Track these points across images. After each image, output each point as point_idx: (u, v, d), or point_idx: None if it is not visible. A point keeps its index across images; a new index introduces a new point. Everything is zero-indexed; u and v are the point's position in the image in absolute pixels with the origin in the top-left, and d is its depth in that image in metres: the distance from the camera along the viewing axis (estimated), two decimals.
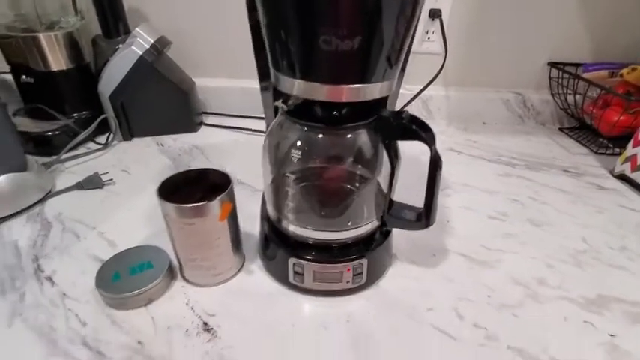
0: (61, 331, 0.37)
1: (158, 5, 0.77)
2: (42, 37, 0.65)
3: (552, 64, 0.83)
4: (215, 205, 0.38)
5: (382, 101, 0.41)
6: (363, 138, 0.40)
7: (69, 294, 0.41)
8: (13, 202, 0.53)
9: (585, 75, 0.79)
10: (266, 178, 0.42)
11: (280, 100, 0.39)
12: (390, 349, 0.37)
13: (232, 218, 0.41)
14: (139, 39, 0.67)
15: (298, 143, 0.39)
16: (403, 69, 0.40)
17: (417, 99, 0.80)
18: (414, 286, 0.44)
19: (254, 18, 0.38)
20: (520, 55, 0.83)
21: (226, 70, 0.83)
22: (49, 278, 0.43)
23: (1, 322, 0.38)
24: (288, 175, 0.39)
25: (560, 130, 0.86)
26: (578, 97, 0.79)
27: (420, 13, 0.33)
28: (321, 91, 0.33)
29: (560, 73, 0.81)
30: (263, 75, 0.43)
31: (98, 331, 0.37)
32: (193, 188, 0.42)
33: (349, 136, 0.39)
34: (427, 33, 0.79)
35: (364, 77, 0.33)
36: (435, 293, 0.43)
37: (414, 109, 0.84)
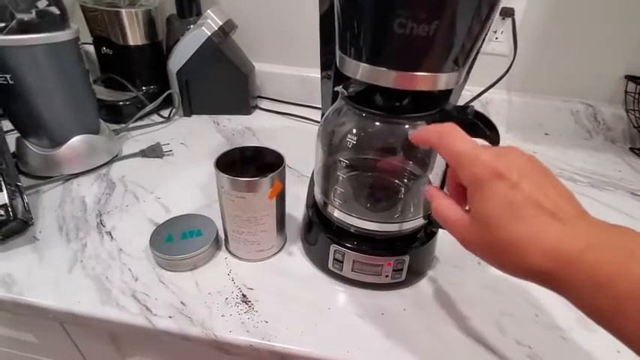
0: (114, 282, 0.41)
1: None
2: (124, 12, 0.70)
3: (630, 78, 0.76)
4: (266, 182, 0.39)
5: (444, 95, 0.40)
6: None
7: (125, 250, 0.45)
8: (85, 160, 0.58)
9: None
10: (317, 161, 0.43)
11: (341, 86, 0.39)
12: (422, 348, 0.36)
13: (281, 198, 0.42)
14: (209, 20, 0.70)
15: (354, 130, 0.39)
16: (468, 71, 0.39)
17: (476, 101, 0.77)
18: (455, 292, 0.42)
19: (326, 6, 0.38)
20: (595, 63, 0.76)
21: (285, 58, 0.85)
22: (109, 233, 0.47)
23: (63, 267, 0.42)
24: (340, 160, 0.39)
25: (632, 150, 0.78)
26: None
27: (499, 7, 0.31)
28: (386, 77, 0.32)
29: (638, 88, 0.74)
30: (326, 64, 0.43)
31: (148, 287, 0.40)
32: (248, 165, 0.44)
33: (407, 127, 0.38)
34: (495, 32, 0.75)
35: (433, 66, 0.32)
36: (477, 303, 0.41)
37: None
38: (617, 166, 0.72)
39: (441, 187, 0.40)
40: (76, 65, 0.54)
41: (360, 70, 0.33)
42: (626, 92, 0.77)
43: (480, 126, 0.33)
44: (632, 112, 0.76)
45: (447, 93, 0.41)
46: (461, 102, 0.74)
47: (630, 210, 0.59)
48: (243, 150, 0.43)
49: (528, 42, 0.75)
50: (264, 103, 0.86)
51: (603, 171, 0.69)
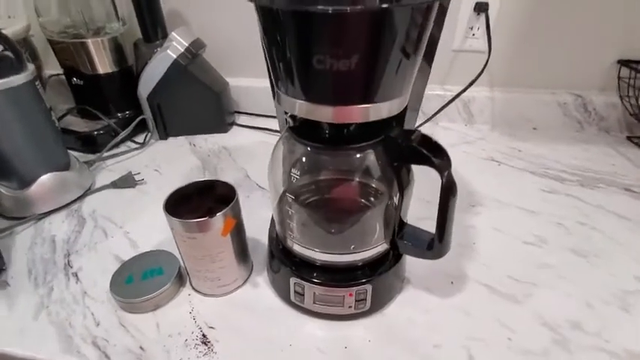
0: (76, 329, 0.40)
1: (196, 7, 0.79)
2: (90, 42, 0.70)
3: (623, 63, 0.72)
4: (217, 220, 0.38)
5: (398, 116, 0.38)
6: (371, 157, 0.37)
7: (89, 292, 0.44)
8: (56, 198, 0.58)
9: None
10: (272, 193, 0.42)
11: (289, 115, 0.37)
12: None
13: (237, 232, 0.41)
14: (174, 43, 0.69)
15: (302, 161, 0.37)
16: (429, 65, 0.36)
17: (457, 100, 0.74)
18: (424, 317, 0.40)
19: None
20: (583, 50, 0.72)
21: (259, 71, 0.83)
22: (75, 275, 0.47)
23: (29, 314, 0.42)
24: (291, 194, 0.38)
25: (629, 139, 0.74)
26: None
27: (429, 29, 0.29)
28: (322, 113, 0.31)
29: (633, 73, 0.70)
30: (273, 83, 0.41)
31: (108, 332, 0.40)
32: (204, 197, 0.43)
33: (357, 155, 0.37)
34: (472, 29, 0.72)
35: (368, 98, 0.30)
36: (446, 328, 0.39)
37: (453, 112, 0.78)
38: (610, 159, 0.69)
39: (400, 207, 0.38)
40: (35, 105, 0.54)
41: (297, 107, 0.32)
42: (619, 78, 0.73)
43: (425, 153, 0.31)
44: (627, 99, 0.72)
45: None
46: (440, 102, 0.72)
47: (623, 210, 0.55)
48: (195, 184, 0.42)
49: (507, 34, 0.72)
50: (241, 119, 0.85)
51: (595, 166, 0.66)
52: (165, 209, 0.38)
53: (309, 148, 0.36)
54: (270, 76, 0.41)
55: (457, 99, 0.73)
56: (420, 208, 0.42)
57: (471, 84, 0.69)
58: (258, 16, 0.30)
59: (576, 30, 0.70)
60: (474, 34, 0.72)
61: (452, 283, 0.44)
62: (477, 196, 0.58)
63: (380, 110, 0.31)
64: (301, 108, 0.32)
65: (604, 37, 0.71)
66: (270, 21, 0.28)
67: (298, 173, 0.36)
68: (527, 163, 0.67)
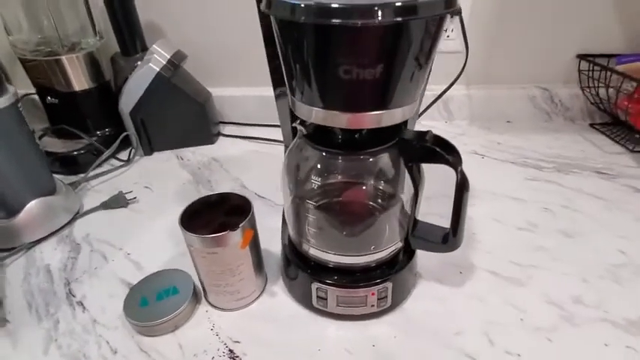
0: (93, 359, 0.39)
1: (174, 18, 0.77)
2: (64, 59, 0.67)
3: (582, 57, 0.78)
4: (237, 234, 0.38)
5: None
6: (385, 159, 0.38)
7: (99, 320, 0.43)
8: (45, 224, 0.55)
9: (619, 67, 0.74)
10: (286, 199, 0.42)
11: (298, 122, 0.38)
12: None
13: (254, 243, 0.41)
14: (155, 55, 0.67)
15: (318, 167, 0.38)
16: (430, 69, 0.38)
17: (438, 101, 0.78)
18: (441, 307, 0.42)
19: (266, 28, 0.37)
20: (547, 48, 0.78)
21: (242, 79, 0.83)
22: (80, 303, 0.45)
23: (38, 350, 0.40)
24: (308, 199, 0.39)
25: (592, 125, 0.81)
26: (611, 90, 0.74)
27: (442, 34, 0.31)
28: (340, 120, 0.32)
29: (591, 65, 0.76)
30: (277, 82, 0.41)
31: (128, 359, 0.38)
32: (215, 211, 0.42)
33: (370, 159, 0.38)
34: (446, 31, 0.76)
35: (386, 104, 0.31)
36: (463, 315, 0.41)
37: (433, 111, 0.82)
38: (579, 145, 0.74)
39: (414, 205, 0.39)
40: (19, 129, 0.51)
41: (313, 114, 0.32)
42: (579, 71, 0.80)
43: (440, 152, 0.33)
44: (588, 90, 0.79)
45: None
46: (422, 103, 0.75)
47: (597, 191, 0.60)
48: (207, 198, 0.42)
49: (479, 35, 0.76)
50: (227, 129, 0.84)
51: (567, 153, 0.71)
52: (182, 226, 0.38)
53: (324, 154, 0.37)
54: (274, 85, 0.42)
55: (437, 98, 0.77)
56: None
57: (452, 83, 0.73)
58: (277, 29, 0.30)
59: (540, 29, 0.76)
60: (448, 36, 0.76)
61: (460, 272, 0.47)
62: (471, 190, 0.61)
63: (394, 115, 0.33)
64: (317, 115, 0.33)
65: (564, 35, 0.77)
66: (293, 34, 0.29)
67: (318, 179, 0.36)
68: (508, 155, 0.71)
